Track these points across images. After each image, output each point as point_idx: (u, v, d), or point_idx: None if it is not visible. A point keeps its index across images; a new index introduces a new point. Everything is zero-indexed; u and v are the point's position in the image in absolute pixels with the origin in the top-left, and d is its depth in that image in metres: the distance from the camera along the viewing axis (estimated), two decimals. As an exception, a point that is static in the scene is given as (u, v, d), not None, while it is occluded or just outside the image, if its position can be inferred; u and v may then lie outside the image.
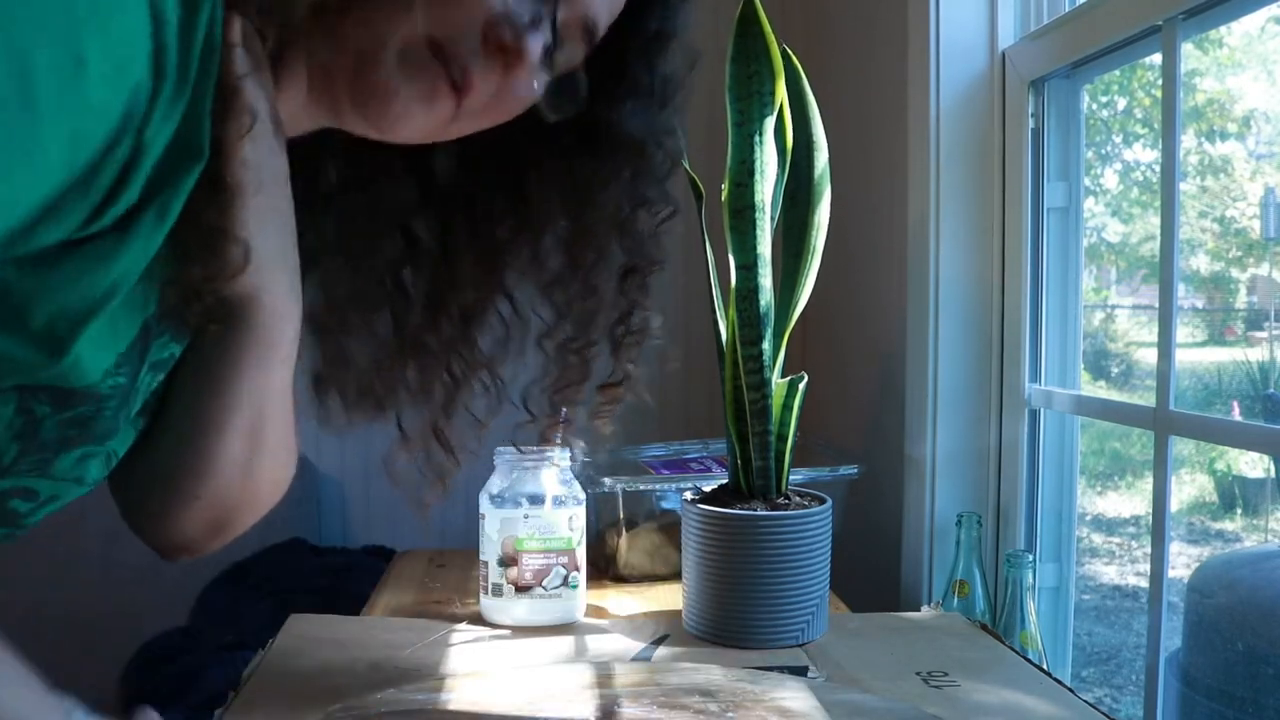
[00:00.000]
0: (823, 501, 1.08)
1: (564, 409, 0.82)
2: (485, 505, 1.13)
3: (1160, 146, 1.10)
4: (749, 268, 1.04)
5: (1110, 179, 1.70)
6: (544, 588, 1.11)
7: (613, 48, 0.72)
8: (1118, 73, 1.51)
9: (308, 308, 0.74)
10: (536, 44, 0.64)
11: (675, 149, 0.76)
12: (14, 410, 0.58)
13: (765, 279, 1.04)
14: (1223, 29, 1.28)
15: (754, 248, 1.03)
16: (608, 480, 1.34)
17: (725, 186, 1.04)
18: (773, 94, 1.02)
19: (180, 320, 0.62)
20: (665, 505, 1.39)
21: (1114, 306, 1.77)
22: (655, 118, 0.75)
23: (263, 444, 0.71)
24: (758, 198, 1.03)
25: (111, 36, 0.47)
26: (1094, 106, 1.54)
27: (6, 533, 0.67)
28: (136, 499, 0.73)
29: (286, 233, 0.66)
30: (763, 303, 1.04)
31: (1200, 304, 1.65)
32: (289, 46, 0.64)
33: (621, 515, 1.36)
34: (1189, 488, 1.65)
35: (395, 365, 0.81)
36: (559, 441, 0.85)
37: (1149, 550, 1.13)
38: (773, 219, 1.06)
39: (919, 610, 1.33)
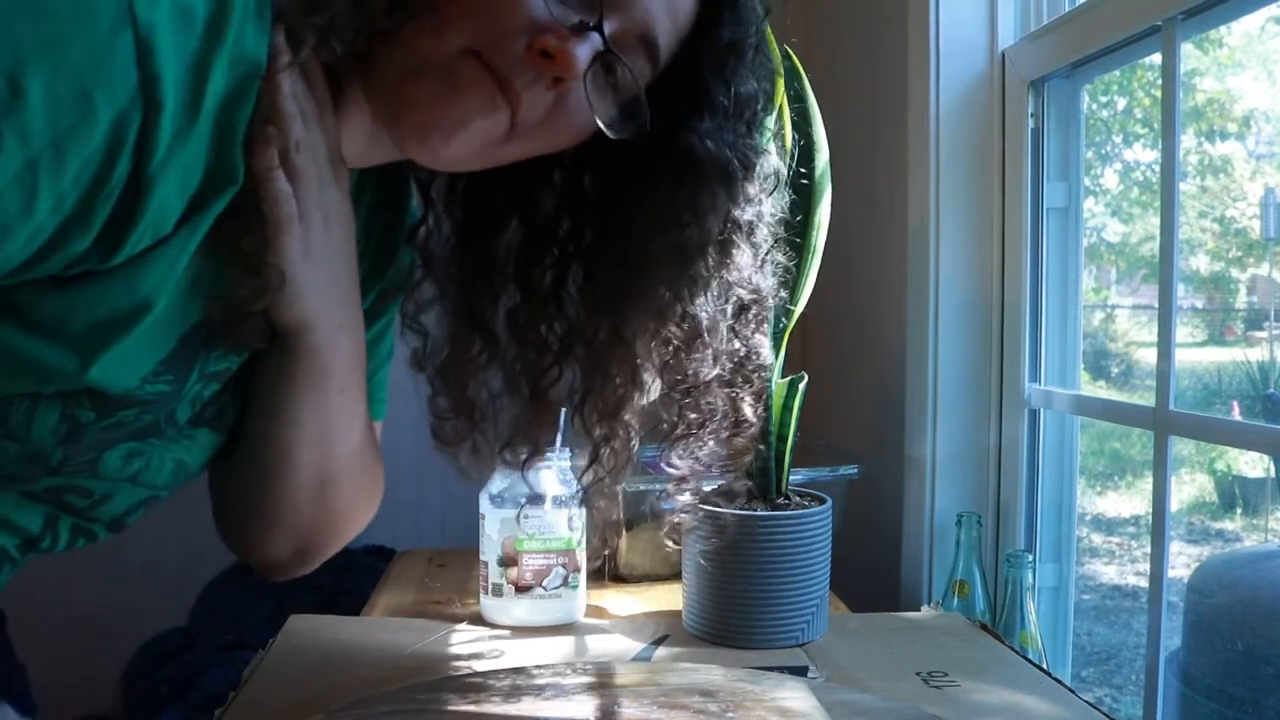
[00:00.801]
0: (823, 501, 1.08)
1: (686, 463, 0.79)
2: (485, 505, 1.13)
3: (1160, 146, 1.10)
4: (749, 268, 1.04)
5: (1110, 179, 1.70)
6: (544, 588, 1.11)
7: (686, 65, 0.68)
8: (1118, 73, 1.51)
9: (424, 355, 0.75)
10: (584, 51, 0.61)
11: (768, 169, 0.72)
12: (58, 417, 0.59)
13: (765, 279, 1.04)
14: (1223, 29, 1.28)
15: (754, 248, 1.03)
16: (608, 480, 1.33)
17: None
18: (773, 94, 1.02)
19: (226, 337, 0.63)
20: (665, 505, 1.38)
21: (1114, 306, 1.77)
22: (738, 136, 0.71)
23: (333, 476, 0.73)
24: (758, 198, 1.03)
25: (63, 68, 0.46)
26: (1094, 106, 1.54)
27: (84, 531, 0.70)
28: (226, 521, 0.76)
29: (338, 265, 0.66)
30: (763, 303, 1.04)
31: (1200, 304, 1.65)
32: (349, 77, 0.64)
33: (621, 515, 1.36)
34: (1189, 488, 1.65)
35: (526, 423, 0.78)
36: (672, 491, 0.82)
37: (1149, 550, 1.13)
38: (773, 219, 1.06)
39: (919, 610, 1.33)
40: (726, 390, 0.77)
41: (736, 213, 0.72)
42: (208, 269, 0.59)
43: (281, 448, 0.70)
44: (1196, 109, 1.46)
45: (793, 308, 1.07)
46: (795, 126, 1.07)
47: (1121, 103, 1.64)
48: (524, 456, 0.80)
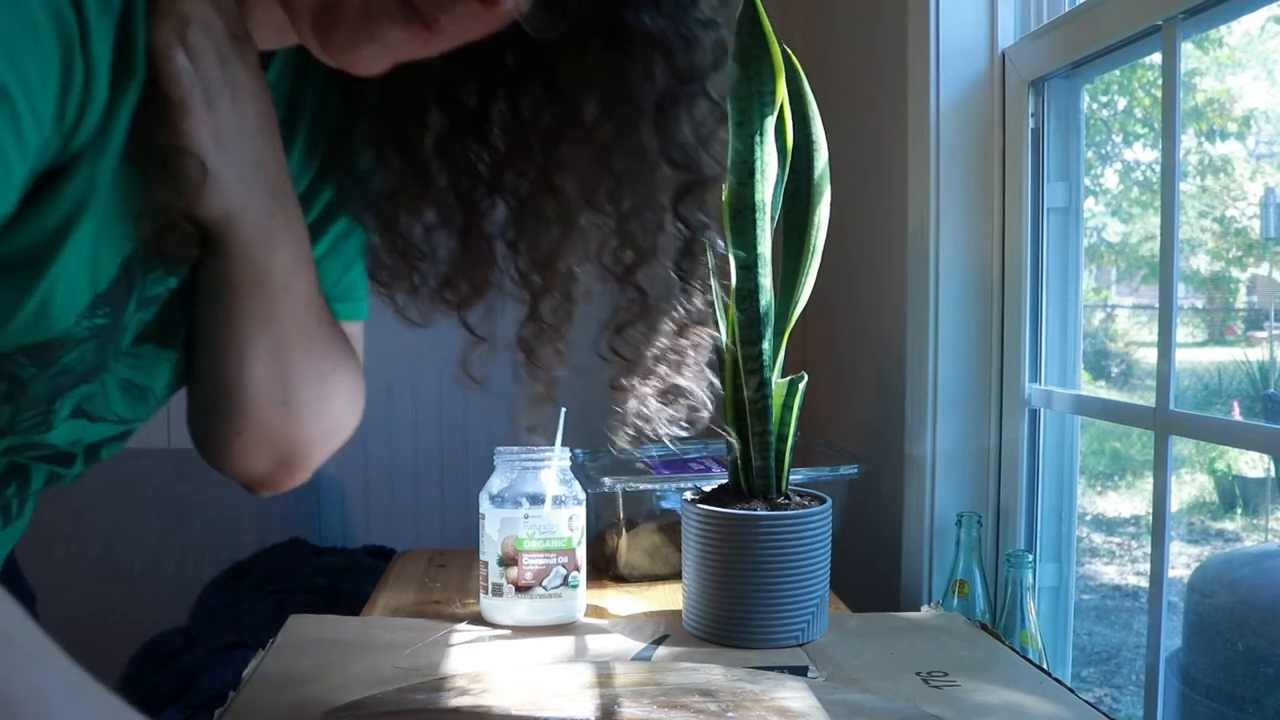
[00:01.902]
0: (823, 501, 1.08)
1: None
2: (485, 505, 1.13)
3: (1160, 146, 1.10)
4: (749, 268, 1.04)
5: (1110, 179, 1.70)
6: (544, 588, 1.11)
7: None
8: (1118, 73, 1.51)
9: (361, 206, 0.71)
10: None
11: (716, 41, 0.67)
12: None
13: (765, 279, 1.04)
14: (1223, 29, 1.28)
15: (754, 248, 1.03)
16: (608, 480, 1.34)
17: (725, 186, 1.04)
18: (773, 94, 1.02)
19: (159, 251, 0.61)
20: (665, 505, 1.39)
21: (1114, 306, 1.77)
22: (683, 9, 0.65)
23: (294, 377, 0.70)
24: (758, 198, 1.03)
25: None
26: (1094, 106, 1.54)
27: (56, 475, 0.68)
28: (197, 437, 0.73)
29: (260, 150, 0.63)
30: (763, 303, 1.04)
31: (1200, 304, 1.65)
32: None
33: (621, 515, 1.36)
34: (1189, 488, 1.65)
35: (462, 259, 0.73)
36: (626, 386, 0.74)
37: (1149, 550, 1.13)
38: (773, 219, 1.06)
39: (919, 610, 1.33)
40: (674, 278, 0.72)
41: (676, 87, 0.66)
42: (133, 187, 0.57)
43: (233, 354, 0.67)
44: (1196, 109, 1.46)
45: (792, 308, 1.08)
46: (795, 126, 1.07)
47: (1121, 103, 1.65)
48: (464, 296, 0.74)
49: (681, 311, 0.73)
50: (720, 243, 0.73)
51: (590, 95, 0.66)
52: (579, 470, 1.25)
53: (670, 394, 0.76)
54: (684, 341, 0.74)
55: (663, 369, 0.75)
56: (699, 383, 0.77)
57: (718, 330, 0.74)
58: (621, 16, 0.63)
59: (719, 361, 0.84)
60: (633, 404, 0.76)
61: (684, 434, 0.80)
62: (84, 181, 0.55)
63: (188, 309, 0.68)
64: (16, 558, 0.87)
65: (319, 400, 0.73)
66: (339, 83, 0.69)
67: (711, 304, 0.75)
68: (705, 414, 0.79)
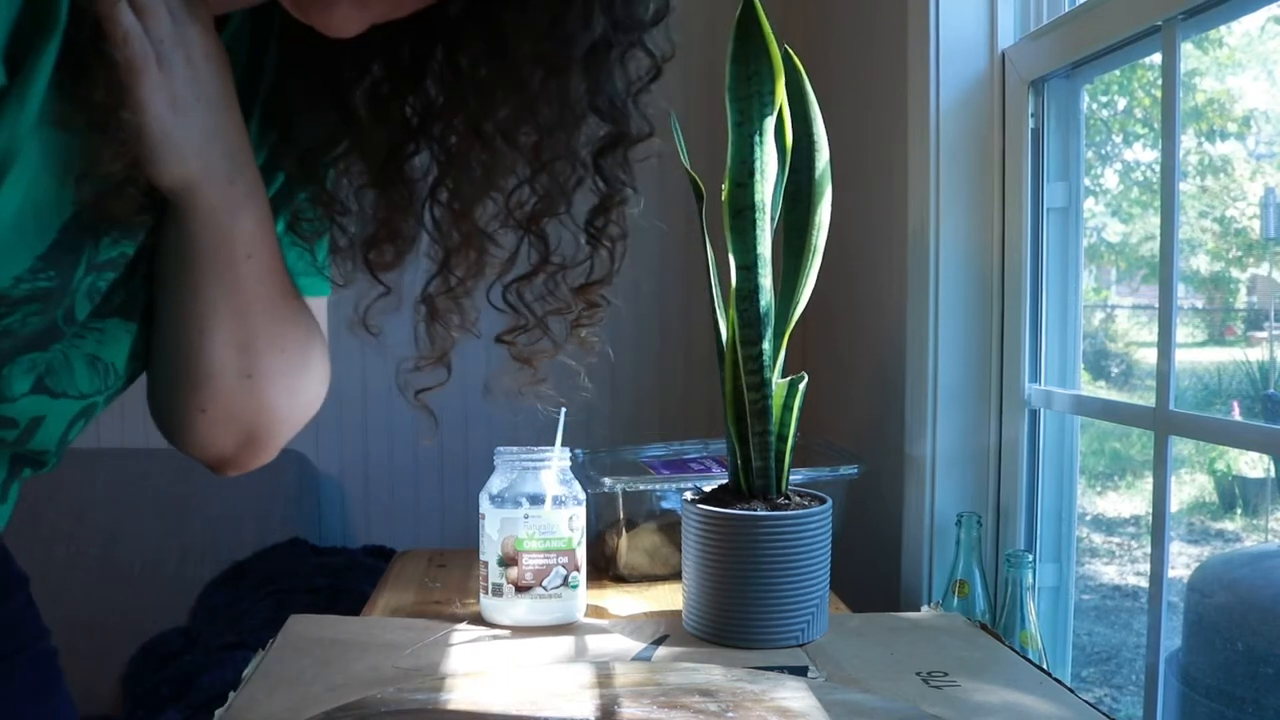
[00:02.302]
0: (823, 501, 1.08)
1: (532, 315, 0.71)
2: (485, 505, 1.13)
3: (1160, 146, 1.10)
4: (749, 268, 1.04)
5: (1110, 179, 1.70)
6: (544, 588, 1.11)
7: None
8: (1118, 73, 1.51)
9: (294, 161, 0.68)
10: None
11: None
12: None
13: (765, 279, 1.04)
14: (1223, 29, 1.28)
15: (754, 248, 1.03)
16: (608, 480, 1.34)
17: (725, 186, 1.04)
18: (773, 94, 1.02)
19: (101, 216, 0.59)
20: (665, 505, 1.39)
21: (1114, 306, 1.77)
22: None
23: (258, 349, 0.68)
24: (758, 198, 1.03)
25: None
26: (1094, 106, 1.54)
27: (23, 458, 0.66)
28: (159, 417, 0.71)
29: (217, 114, 0.61)
30: (763, 303, 1.04)
31: (1200, 304, 1.65)
32: None
33: (622, 515, 1.36)
34: (1189, 488, 1.65)
35: (384, 212, 0.72)
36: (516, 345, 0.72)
37: (1149, 550, 1.13)
38: (773, 219, 1.06)
39: (919, 610, 1.33)
40: (585, 232, 0.71)
41: (612, 34, 0.65)
42: (73, 146, 0.55)
43: (195, 326, 0.65)
44: (1196, 109, 1.46)
45: (793, 308, 1.08)
46: (795, 126, 1.07)
47: (1121, 103, 1.64)
48: (388, 257, 0.72)
49: (587, 273, 0.72)
50: (631, 194, 0.70)
51: (526, 39, 0.64)
52: (579, 470, 1.25)
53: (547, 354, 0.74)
54: (584, 302, 0.72)
55: (555, 329, 0.73)
56: (591, 349, 0.75)
57: (609, 283, 0.72)
58: None
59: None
60: (517, 366, 0.74)
61: (555, 406, 0.78)
62: (6, 133, 0.52)
63: (150, 281, 0.66)
64: (4, 544, 0.86)
65: (284, 374, 0.71)
66: (285, 40, 0.67)
67: (617, 269, 0.72)
68: (586, 393, 0.78)
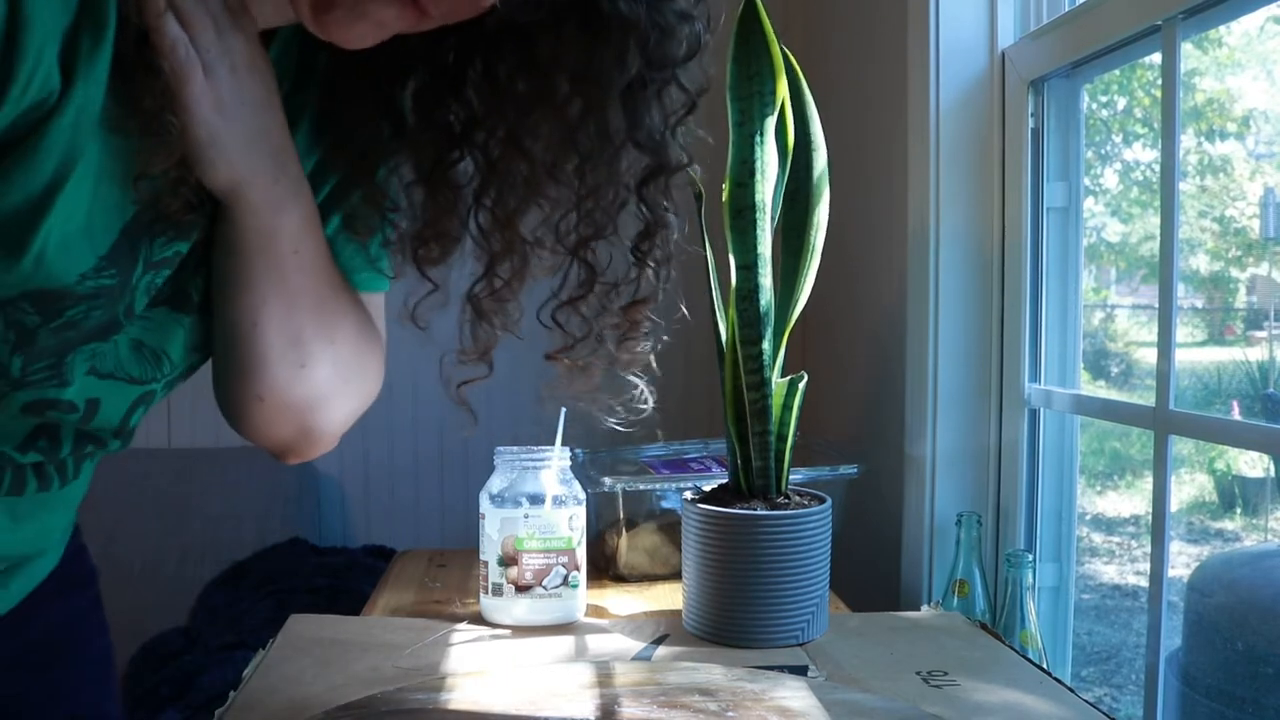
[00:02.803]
0: (823, 501, 1.08)
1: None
2: (485, 505, 1.13)
3: (1160, 146, 1.10)
4: (749, 268, 1.04)
5: (1110, 179, 1.70)
6: (544, 587, 1.11)
7: None
8: (1118, 72, 1.51)
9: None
10: None
11: (691, 33, 0.67)
12: (3, 324, 0.59)
13: (765, 279, 1.04)
14: (1223, 29, 1.28)
15: (754, 248, 1.03)
16: (608, 480, 1.34)
17: (725, 186, 1.04)
18: (773, 94, 1.02)
19: (162, 216, 0.62)
20: (665, 505, 1.39)
21: (1114, 306, 1.77)
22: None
23: (308, 338, 0.71)
24: (758, 198, 1.03)
25: None
26: (1094, 106, 1.54)
27: (87, 437, 0.69)
28: (223, 403, 0.75)
29: (262, 118, 0.64)
30: (763, 303, 1.04)
31: (1200, 304, 1.65)
32: None
33: (622, 515, 1.36)
34: (1189, 487, 1.65)
35: (431, 211, 0.75)
36: (567, 362, 0.76)
37: (1149, 550, 1.13)
38: (773, 219, 1.06)
39: (919, 610, 1.33)
40: (630, 257, 0.74)
41: (647, 73, 0.67)
42: (130, 149, 0.58)
43: (247, 318, 0.69)
44: (1196, 109, 1.46)
45: (792, 308, 1.08)
46: (795, 126, 1.07)
47: (1121, 103, 1.65)
48: (435, 254, 0.76)
49: (631, 290, 0.75)
50: (674, 221, 0.74)
51: (563, 71, 0.67)
52: (579, 470, 1.25)
53: (611, 375, 0.78)
54: (629, 320, 0.75)
55: (606, 350, 0.77)
56: (638, 365, 0.79)
57: (654, 301, 0.75)
58: (598, 2, 0.64)
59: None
60: (570, 380, 0.77)
61: (622, 426, 0.81)
62: (64, 145, 0.55)
63: (200, 274, 0.70)
64: (82, 538, 0.89)
65: (335, 365, 0.74)
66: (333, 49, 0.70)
67: (665, 290, 0.76)
68: (646, 408, 0.81)
